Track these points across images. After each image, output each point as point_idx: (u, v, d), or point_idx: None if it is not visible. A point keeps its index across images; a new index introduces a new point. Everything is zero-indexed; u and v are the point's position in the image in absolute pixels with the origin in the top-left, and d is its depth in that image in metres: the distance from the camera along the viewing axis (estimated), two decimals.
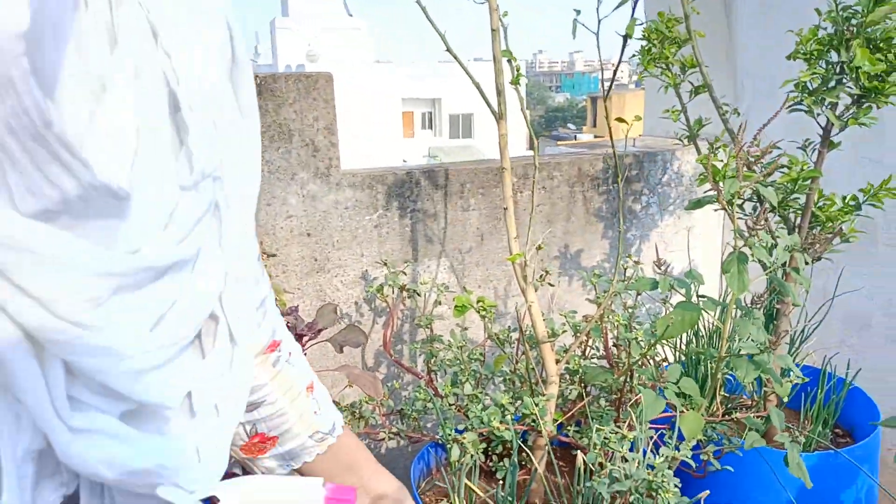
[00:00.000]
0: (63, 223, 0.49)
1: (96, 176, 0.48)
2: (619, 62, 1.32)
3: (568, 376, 1.54)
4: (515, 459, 1.31)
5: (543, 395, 1.37)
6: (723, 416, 1.52)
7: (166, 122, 0.55)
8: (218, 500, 0.68)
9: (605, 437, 1.20)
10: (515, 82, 1.53)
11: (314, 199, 1.73)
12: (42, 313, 0.49)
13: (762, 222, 1.22)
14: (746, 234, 1.27)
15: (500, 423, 1.28)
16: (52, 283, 0.49)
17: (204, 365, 0.63)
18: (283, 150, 1.68)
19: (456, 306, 1.46)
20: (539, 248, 1.51)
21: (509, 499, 1.30)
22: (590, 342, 1.57)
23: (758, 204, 1.70)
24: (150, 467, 0.56)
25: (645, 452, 1.26)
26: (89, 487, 0.57)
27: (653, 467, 1.18)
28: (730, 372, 1.49)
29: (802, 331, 1.77)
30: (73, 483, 0.56)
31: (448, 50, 1.50)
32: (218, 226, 0.64)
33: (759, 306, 1.45)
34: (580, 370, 1.49)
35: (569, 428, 1.46)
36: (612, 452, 1.24)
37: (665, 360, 1.70)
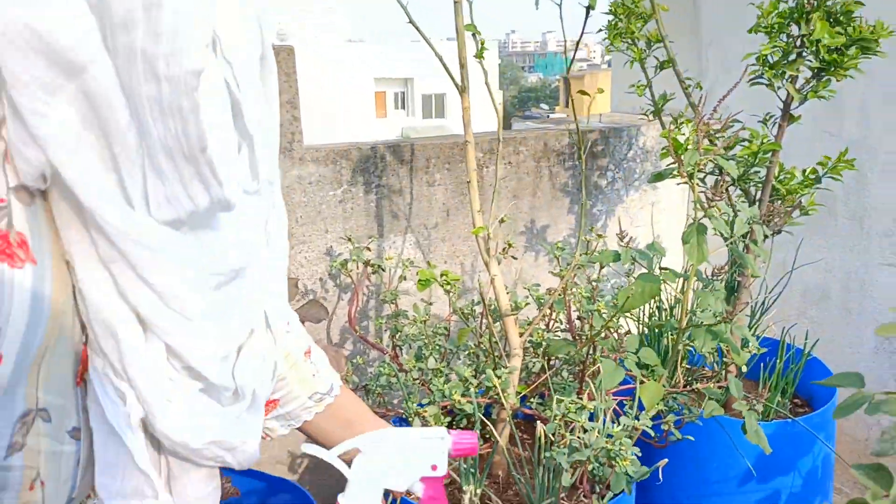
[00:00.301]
0: (185, 230, 0.57)
1: (224, 192, 0.56)
2: (582, 34, 1.31)
3: (532, 349, 1.55)
4: (478, 432, 1.32)
5: (506, 367, 1.37)
6: (684, 387, 1.54)
7: (232, 129, 0.58)
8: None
9: (565, 408, 1.21)
10: (479, 56, 1.52)
11: None
12: (157, 303, 0.56)
13: (721, 193, 1.23)
14: (706, 206, 1.28)
15: (462, 395, 1.29)
16: (171, 278, 0.56)
17: (246, 354, 0.69)
18: None
19: (419, 280, 1.46)
20: (502, 221, 1.51)
21: (472, 471, 1.30)
22: (554, 315, 1.58)
23: (719, 177, 1.71)
24: (226, 438, 0.65)
25: (605, 422, 1.27)
26: (153, 458, 0.64)
27: (612, 436, 1.19)
28: (691, 344, 1.51)
29: (763, 303, 1.80)
30: None
31: (410, 21, 1.48)
32: (264, 226, 0.70)
33: (719, 278, 1.46)
34: (543, 343, 1.50)
35: (532, 400, 1.47)
36: (574, 423, 1.25)
37: (629, 332, 1.71)
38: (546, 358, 1.54)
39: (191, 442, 0.62)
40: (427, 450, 0.75)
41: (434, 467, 0.74)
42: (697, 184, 1.50)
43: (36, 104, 0.49)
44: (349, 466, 0.74)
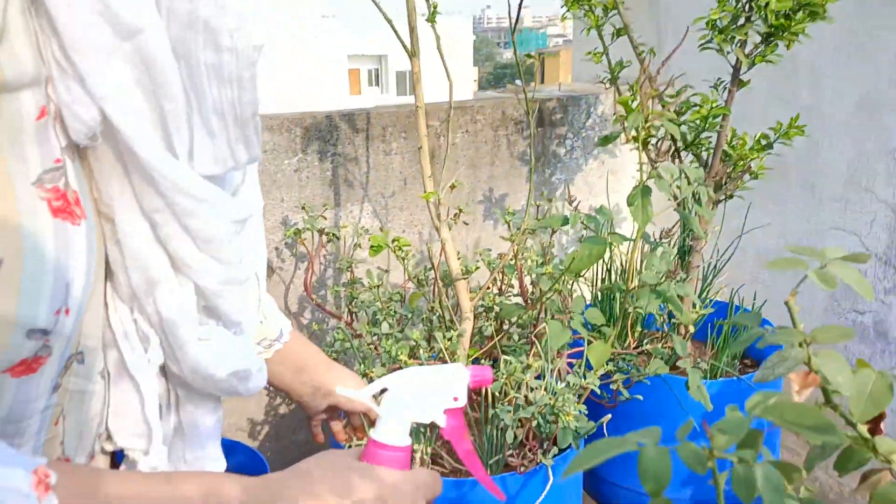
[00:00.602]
0: (215, 182, 0.61)
1: (259, 153, 0.62)
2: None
3: (485, 314, 1.57)
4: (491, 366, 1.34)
5: (456, 331, 1.39)
6: (635, 348, 1.57)
7: None
8: None
9: (510, 367, 1.23)
10: (431, 20, 1.52)
11: None
12: (192, 248, 0.61)
13: (664, 155, 1.25)
14: (652, 168, 1.29)
15: (410, 357, 1.30)
16: (207, 225, 0.60)
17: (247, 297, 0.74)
18: None
19: (371, 246, 1.47)
20: (453, 186, 1.51)
21: (423, 430, 1.32)
22: (507, 281, 1.60)
23: (663, 140, 1.72)
24: (247, 367, 0.71)
25: (550, 380, 1.29)
26: (164, 401, 0.69)
27: (557, 393, 1.21)
28: (641, 306, 1.53)
29: (714, 266, 1.83)
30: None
31: None
32: (252, 178, 0.75)
33: (667, 240, 1.49)
34: (495, 307, 1.51)
35: (483, 362, 1.49)
36: (523, 382, 1.27)
37: (582, 297, 1.73)
38: (499, 322, 1.56)
39: (216, 374, 0.67)
40: (448, 384, 0.80)
41: (455, 399, 0.80)
42: (650, 150, 1.51)
43: (96, 64, 0.52)
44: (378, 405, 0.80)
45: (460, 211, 1.50)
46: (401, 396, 0.79)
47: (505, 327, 1.59)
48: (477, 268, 1.44)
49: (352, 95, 25.20)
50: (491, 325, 1.53)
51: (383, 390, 0.81)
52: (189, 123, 0.57)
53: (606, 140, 1.46)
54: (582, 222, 1.42)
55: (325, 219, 1.83)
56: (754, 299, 1.72)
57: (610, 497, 1.78)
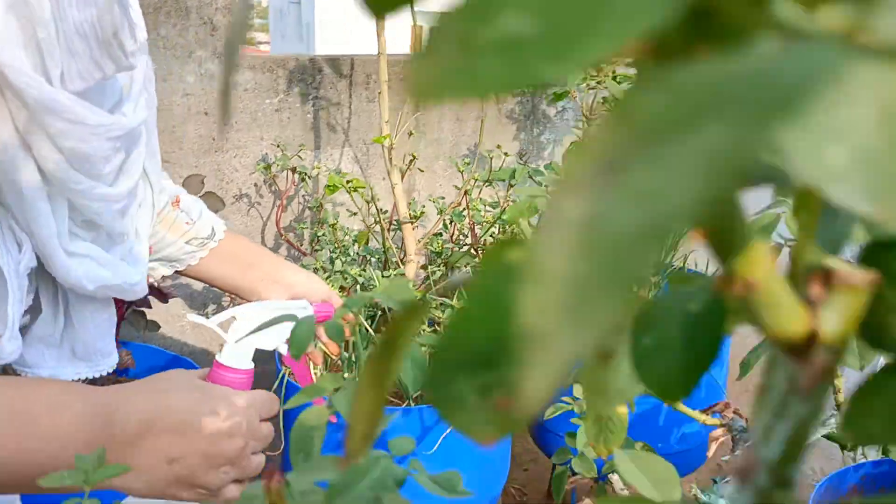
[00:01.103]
0: (87, 97, 0.63)
1: (132, 61, 0.65)
2: None
3: (436, 259, 1.63)
4: (359, 329, 1.40)
5: (394, 271, 1.45)
6: None
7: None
8: None
9: (433, 305, 1.29)
10: None
11: (212, 79, 1.77)
12: (66, 167, 0.64)
13: (597, 113, 1.27)
14: (585, 126, 1.32)
15: (341, 291, 1.37)
16: (83, 145, 0.64)
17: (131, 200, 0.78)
18: (181, 27, 1.71)
19: (327, 185, 1.53)
20: (410, 134, 1.56)
21: (353, 360, 1.40)
22: (459, 229, 1.65)
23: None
24: (119, 283, 0.75)
25: None
26: (49, 298, 0.74)
27: None
28: None
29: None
30: (31, 297, 0.72)
31: None
32: (142, 83, 0.77)
33: None
34: (443, 252, 1.57)
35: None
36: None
37: None
38: (448, 268, 1.61)
39: (86, 286, 0.71)
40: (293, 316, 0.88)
41: None
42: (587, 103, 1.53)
43: None
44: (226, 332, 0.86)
45: (414, 157, 1.55)
46: (246, 325, 0.85)
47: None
48: (423, 212, 1.50)
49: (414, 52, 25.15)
50: (440, 270, 1.59)
51: (232, 318, 0.89)
52: (58, 45, 0.60)
53: (557, 96, 1.48)
54: (529, 175, 1.46)
55: (302, 158, 1.89)
56: (707, 266, 1.73)
57: (554, 447, 1.83)
